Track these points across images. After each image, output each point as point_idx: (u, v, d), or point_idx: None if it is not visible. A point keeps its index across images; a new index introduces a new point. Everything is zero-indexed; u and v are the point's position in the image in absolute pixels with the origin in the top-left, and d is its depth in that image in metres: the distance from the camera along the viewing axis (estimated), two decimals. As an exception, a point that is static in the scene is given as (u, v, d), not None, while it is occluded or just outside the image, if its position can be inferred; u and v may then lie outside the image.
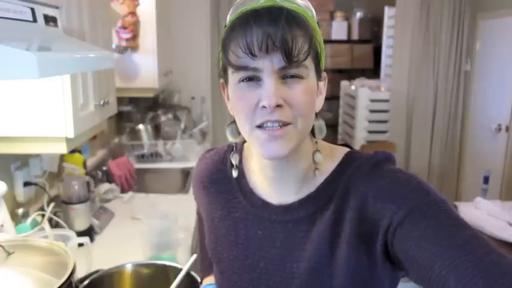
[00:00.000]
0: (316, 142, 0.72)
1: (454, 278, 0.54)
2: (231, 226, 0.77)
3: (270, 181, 0.73)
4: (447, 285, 0.54)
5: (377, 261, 0.64)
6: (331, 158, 0.72)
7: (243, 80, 0.63)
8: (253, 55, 0.60)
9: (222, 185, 0.80)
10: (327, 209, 0.68)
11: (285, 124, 0.62)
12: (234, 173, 0.75)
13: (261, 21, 0.60)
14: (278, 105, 0.61)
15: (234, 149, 0.78)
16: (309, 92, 0.64)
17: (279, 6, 0.62)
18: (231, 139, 0.75)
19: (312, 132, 0.71)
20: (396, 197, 0.63)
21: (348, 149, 0.74)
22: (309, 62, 0.63)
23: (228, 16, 0.67)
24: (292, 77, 0.62)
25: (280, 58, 0.60)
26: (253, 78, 0.62)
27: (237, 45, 0.61)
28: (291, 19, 0.60)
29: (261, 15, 0.60)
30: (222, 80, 0.71)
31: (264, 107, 0.61)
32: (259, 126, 0.63)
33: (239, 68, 0.62)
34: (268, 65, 0.60)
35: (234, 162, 0.76)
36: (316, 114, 0.70)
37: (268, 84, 0.61)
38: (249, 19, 0.61)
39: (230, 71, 0.65)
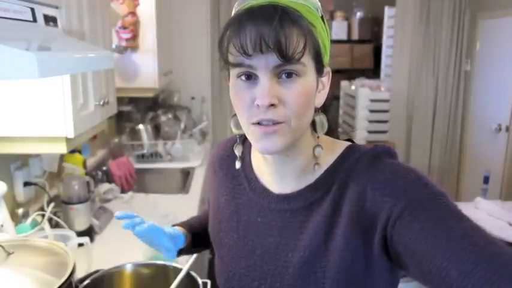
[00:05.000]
0: (318, 137, 0.72)
1: (455, 269, 0.54)
2: (233, 212, 0.79)
3: (270, 173, 0.75)
4: (449, 276, 0.54)
5: (373, 256, 0.64)
6: (331, 151, 0.72)
7: (240, 76, 0.64)
8: (247, 55, 0.60)
9: (230, 170, 0.82)
10: (325, 200, 0.69)
11: (278, 122, 0.63)
12: (238, 164, 0.77)
13: (255, 20, 0.60)
14: (272, 105, 0.61)
15: (238, 140, 0.79)
16: (304, 91, 0.63)
17: (275, 4, 0.61)
18: (234, 131, 0.76)
19: (314, 127, 0.72)
20: (395, 190, 0.63)
21: (349, 143, 0.74)
22: (307, 59, 0.63)
23: (233, 12, 0.67)
24: (289, 74, 0.62)
25: (275, 57, 0.60)
26: (251, 76, 0.63)
27: (232, 45, 0.61)
28: (286, 17, 0.60)
29: (255, 14, 0.60)
30: (227, 73, 0.71)
31: (258, 105, 0.62)
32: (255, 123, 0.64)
33: (235, 65, 0.63)
34: (262, 64, 0.61)
35: (237, 154, 0.77)
36: (318, 109, 0.70)
37: (262, 83, 0.62)
38: (243, 18, 0.61)
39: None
